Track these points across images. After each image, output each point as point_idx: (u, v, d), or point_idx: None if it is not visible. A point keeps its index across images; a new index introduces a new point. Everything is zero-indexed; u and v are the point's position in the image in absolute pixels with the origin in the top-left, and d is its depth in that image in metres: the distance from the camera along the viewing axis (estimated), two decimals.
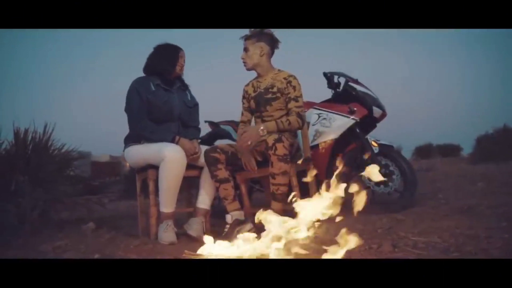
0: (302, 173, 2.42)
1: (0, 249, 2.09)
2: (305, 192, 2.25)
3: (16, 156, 2.78)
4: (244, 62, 2.37)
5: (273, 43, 2.37)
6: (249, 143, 2.09)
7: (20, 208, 2.55)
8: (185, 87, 2.54)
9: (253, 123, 2.49)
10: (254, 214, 2.32)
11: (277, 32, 2.39)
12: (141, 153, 2.32)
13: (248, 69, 2.39)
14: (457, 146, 16.72)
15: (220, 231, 2.17)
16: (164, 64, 2.39)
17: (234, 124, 3.18)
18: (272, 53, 2.39)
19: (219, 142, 2.98)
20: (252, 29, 2.32)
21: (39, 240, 2.33)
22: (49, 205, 2.85)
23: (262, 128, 2.11)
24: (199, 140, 2.52)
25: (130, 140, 2.40)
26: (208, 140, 3.19)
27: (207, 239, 1.55)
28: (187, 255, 1.50)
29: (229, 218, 2.21)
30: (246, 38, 2.34)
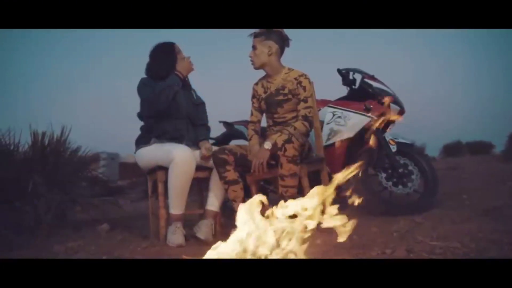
0: (315, 173, 2.34)
1: (15, 249, 2.13)
2: None
3: (34, 158, 2.84)
4: (251, 61, 2.30)
5: (283, 42, 2.28)
6: (263, 163, 2.03)
7: (36, 210, 2.60)
8: (189, 87, 2.52)
9: (264, 123, 2.44)
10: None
11: (287, 30, 2.31)
12: (151, 154, 2.32)
13: (256, 68, 2.31)
14: (488, 144, 15.93)
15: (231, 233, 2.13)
16: (165, 68, 2.37)
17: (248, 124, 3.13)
18: (282, 52, 2.31)
19: (234, 143, 2.95)
20: None
21: (54, 240, 2.36)
22: (65, 207, 2.89)
23: (268, 144, 2.06)
24: (213, 141, 2.49)
25: (141, 142, 2.40)
26: (223, 140, 3.15)
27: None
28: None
29: None
30: (255, 35, 2.27)
